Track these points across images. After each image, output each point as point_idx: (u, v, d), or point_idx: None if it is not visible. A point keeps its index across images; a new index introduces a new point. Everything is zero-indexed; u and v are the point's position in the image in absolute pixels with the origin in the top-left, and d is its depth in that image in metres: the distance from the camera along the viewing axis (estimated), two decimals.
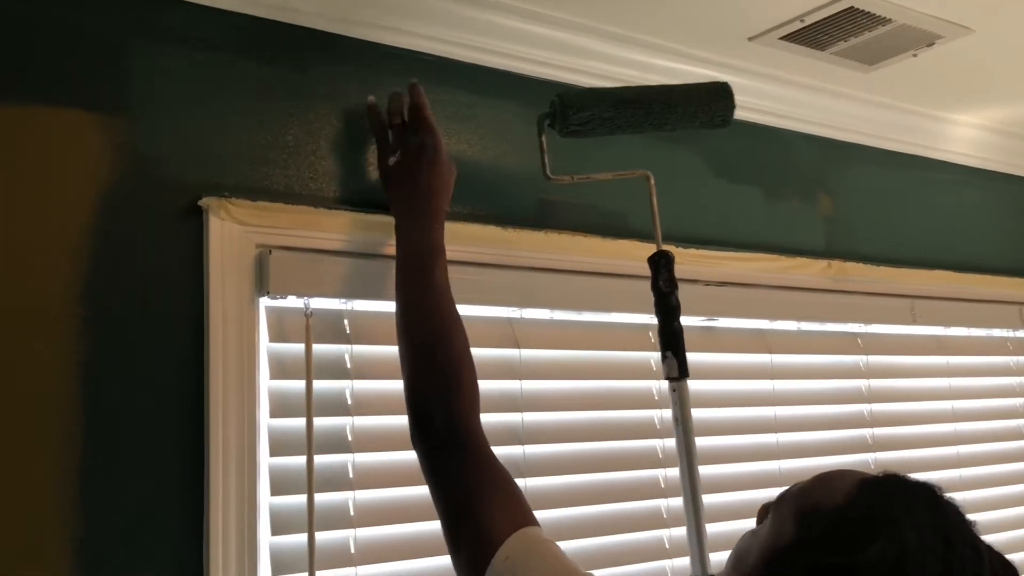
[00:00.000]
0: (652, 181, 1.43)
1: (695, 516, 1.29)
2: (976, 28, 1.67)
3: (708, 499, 1.67)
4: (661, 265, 1.35)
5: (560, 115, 1.38)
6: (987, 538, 2.24)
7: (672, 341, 1.32)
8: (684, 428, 1.31)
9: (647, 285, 1.64)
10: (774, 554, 0.84)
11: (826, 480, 0.89)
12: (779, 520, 0.87)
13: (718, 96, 1.42)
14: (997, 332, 2.29)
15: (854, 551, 0.79)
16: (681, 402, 1.32)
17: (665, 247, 1.67)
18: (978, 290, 2.21)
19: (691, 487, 1.30)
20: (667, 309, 1.34)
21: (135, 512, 1.17)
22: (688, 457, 1.31)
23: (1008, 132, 2.28)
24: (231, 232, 1.26)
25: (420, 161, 1.29)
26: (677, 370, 1.32)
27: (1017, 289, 2.30)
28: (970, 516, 0.91)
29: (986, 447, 2.18)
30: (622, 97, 1.39)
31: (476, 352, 1.46)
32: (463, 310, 1.47)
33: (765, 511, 0.92)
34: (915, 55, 1.77)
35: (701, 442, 1.68)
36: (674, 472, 1.64)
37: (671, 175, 1.75)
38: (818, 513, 0.84)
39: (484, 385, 1.46)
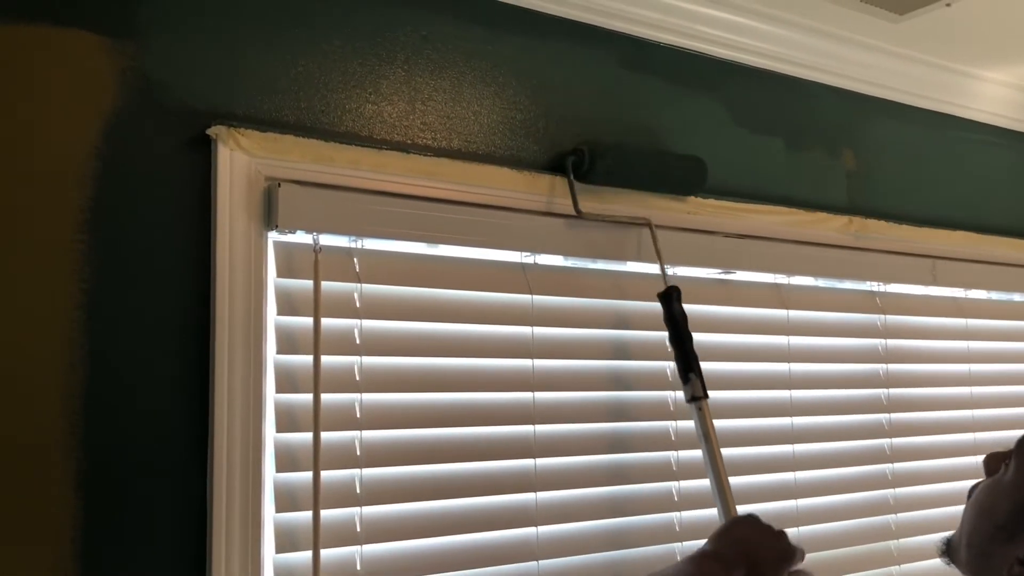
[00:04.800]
0: (653, 229, 1.56)
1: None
2: None
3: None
4: (674, 298, 1.49)
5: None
6: None
7: (695, 363, 1.45)
8: (710, 446, 1.41)
9: (664, 234, 1.62)
10: None
11: None
12: None
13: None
14: (1018, 296, 2.25)
15: None
16: (705, 420, 1.42)
17: (679, 197, 1.66)
18: (1001, 253, 2.17)
19: (724, 504, 1.38)
20: (687, 335, 1.47)
21: (139, 444, 1.16)
22: (715, 472, 1.40)
23: None
24: (240, 163, 1.23)
25: (774, 570, 1.18)
26: (702, 390, 1.43)
27: None
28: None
29: (1002, 412, 2.14)
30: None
31: (487, 297, 1.44)
32: (474, 253, 1.45)
33: (998, 460, 0.91)
34: (948, 4, 1.71)
35: (712, 395, 1.67)
36: (685, 424, 1.62)
37: (691, 123, 1.71)
38: None
39: (495, 330, 1.45)
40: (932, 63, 2.02)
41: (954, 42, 1.92)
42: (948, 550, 0.94)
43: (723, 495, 1.39)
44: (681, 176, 1.63)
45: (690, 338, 1.47)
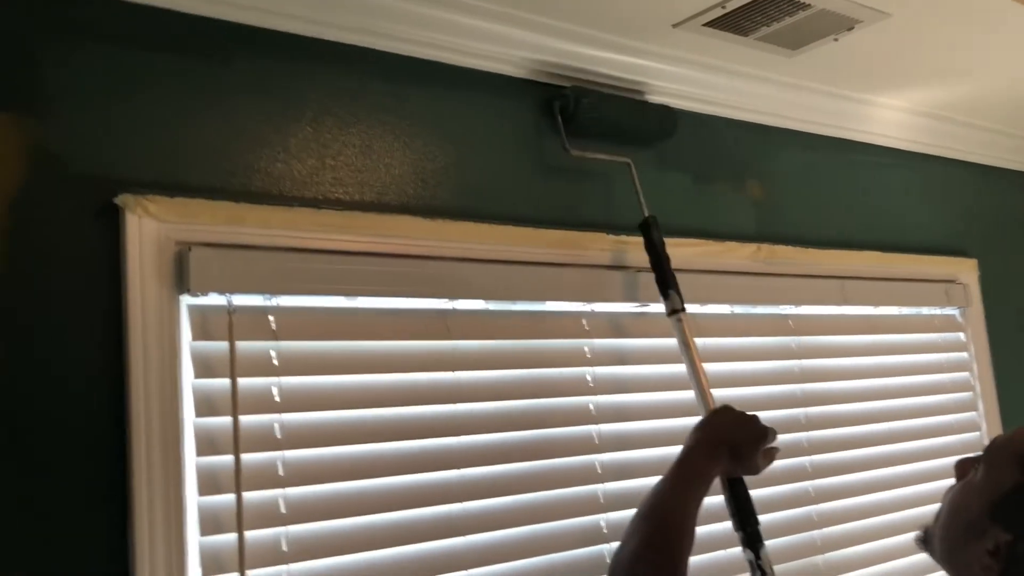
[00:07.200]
0: (633, 169, 1.73)
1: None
2: (893, 12, 1.70)
3: (641, 482, 1.69)
4: (652, 227, 1.64)
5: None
6: (915, 511, 2.30)
7: (672, 282, 1.61)
8: (689, 352, 1.57)
9: (579, 273, 1.67)
10: (1001, 498, 0.94)
11: None
12: (995, 469, 0.96)
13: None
14: (925, 310, 2.34)
15: None
16: (683, 330, 1.58)
17: (594, 234, 1.71)
18: (905, 269, 2.26)
19: (703, 400, 1.54)
20: (665, 258, 1.62)
21: (54, 516, 1.15)
22: (695, 374, 1.55)
23: (929, 114, 2.33)
24: (149, 229, 1.24)
25: (751, 449, 1.37)
26: (680, 303, 1.60)
27: (942, 267, 2.36)
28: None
29: (915, 422, 2.23)
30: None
31: (408, 346, 1.47)
32: (395, 303, 1.47)
33: (966, 466, 1.01)
34: (836, 39, 1.80)
35: (633, 426, 1.71)
36: (609, 456, 1.66)
37: (602, 165, 1.76)
38: None
39: (417, 378, 1.47)
40: (828, 92, 2.11)
41: (847, 72, 2.01)
42: (925, 539, 1.06)
43: (702, 393, 1.54)
44: (656, 122, 1.80)
45: (668, 260, 1.63)
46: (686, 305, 1.62)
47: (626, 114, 1.76)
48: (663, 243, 1.64)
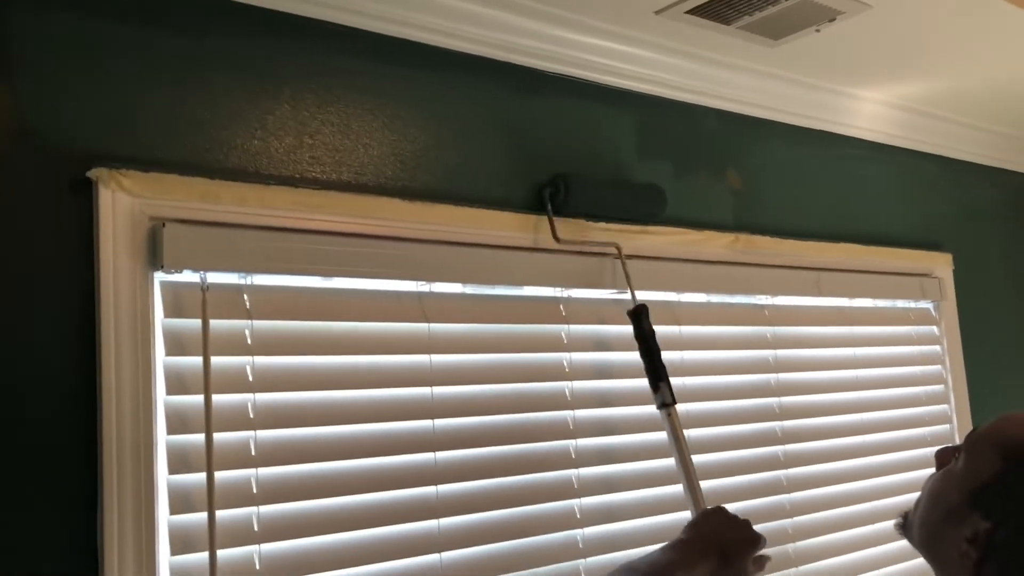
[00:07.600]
0: (622, 254, 1.70)
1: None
2: (873, 4, 1.71)
3: (615, 468, 1.70)
4: (643, 316, 1.60)
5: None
6: (886, 501, 2.32)
7: (663, 374, 1.56)
8: (679, 447, 1.53)
9: (557, 259, 1.66)
10: (981, 487, 0.94)
11: (1013, 419, 0.99)
12: (975, 458, 0.97)
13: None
14: (900, 303, 2.36)
15: None
16: (674, 424, 1.54)
17: (573, 221, 1.71)
18: (881, 262, 2.28)
19: (694, 498, 1.49)
20: (655, 349, 1.58)
21: (22, 492, 1.13)
22: (685, 470, 1.51)
23: (909, 108, 2.34)
24: (123, 204, 1.22)
25: (742, 553, 1.32)
26: (671, 397, 1.55)
27: (918, 261, 2.38)
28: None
29: (887, 414, 2.25)
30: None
31: (383, 327, 1.46)
32: (371, 284, 1.46)
33: (946, 455, 1.02)
34: (818, 30, 1.80)
35: (610, 412, 1.72)
36: (585, 442, 1.66)
37: (581, 151, 1.75)
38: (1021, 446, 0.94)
39: (392, 360, 1.46)
40: (810, 84, 2.12)
41: (829, 64, 2.02)
42: (904, 525, 1.06)
43: (693, 490, 1.50)
44: (646, 203, 1.78)
45: (658, 351, 1.57)
46: (669, 296, 1.62)
47: (615, 198, 1.74)
48: (653, 333, 1.60)
